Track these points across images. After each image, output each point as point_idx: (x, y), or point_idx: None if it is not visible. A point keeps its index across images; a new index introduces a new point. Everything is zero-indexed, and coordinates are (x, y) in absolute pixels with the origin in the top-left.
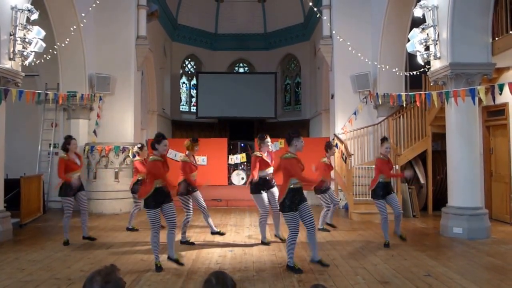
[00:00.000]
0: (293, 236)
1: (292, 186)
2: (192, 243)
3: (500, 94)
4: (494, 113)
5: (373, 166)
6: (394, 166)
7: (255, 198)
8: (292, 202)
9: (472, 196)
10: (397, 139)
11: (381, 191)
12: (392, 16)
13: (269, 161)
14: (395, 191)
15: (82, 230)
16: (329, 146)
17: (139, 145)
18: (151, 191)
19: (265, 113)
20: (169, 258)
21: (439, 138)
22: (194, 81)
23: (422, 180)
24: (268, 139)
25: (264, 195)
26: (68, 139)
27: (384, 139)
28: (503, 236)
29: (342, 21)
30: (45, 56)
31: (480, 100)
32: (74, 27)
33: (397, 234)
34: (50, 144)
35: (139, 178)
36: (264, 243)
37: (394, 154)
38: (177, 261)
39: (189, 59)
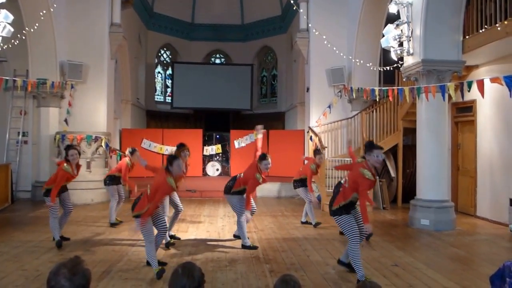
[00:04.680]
0: (356, 241)
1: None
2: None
3: (469, 91)
4: (462, 109)
5: (347, 159)
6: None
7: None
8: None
9: (440, 190)
10: (370, 133)
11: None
12: (368, 11)
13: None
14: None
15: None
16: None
17: (130, 150)
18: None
19: (241, 105)
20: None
21: (410, 132)
22: (169, 71)
23: (392, 174)
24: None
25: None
26: (67, 149)
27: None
28: (467, 227)
29: (319, 15)
30: (13, 41)
31: (449, 97)
32: (44, 11)
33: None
34: (18, 133)
35: (115, 175)
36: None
37: None
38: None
39: (165, 49)
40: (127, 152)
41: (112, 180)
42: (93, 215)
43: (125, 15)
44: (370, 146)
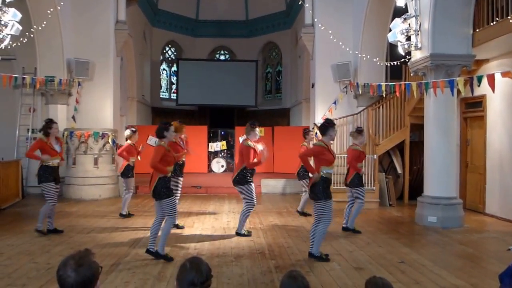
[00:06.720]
0: (326, 225)
1: (323, 174)
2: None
3: (479, 86)
4: (472, 104)
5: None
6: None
7: (243, 189)
8: (325, 190)
9: (447, 186)
10: (376, 129)
11: (359, 180)
12: (374, 5)
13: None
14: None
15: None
16: (306, 133)
17: (133, 129)
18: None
19: (246, 101)
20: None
21: (417, 128)
22: (174, 68)
23: (399, 170)
24: (257, 129)
25: (253, 186)
26: (50, 123)
27: (361, 130)
28: (475, 225)
29: (324, 10)
30: (21, 39)
31: (458, 92)
32: (51, 10)
33: (351, 227)
34: (28, 129)
35: (130, 165)
36: (240, 234)
37: (372, 144)
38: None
39: (170, 46)
40: (127, 134)
41: (129, 171)
42: (101, 210)
43: (130, 12)
44: (333, 124)
